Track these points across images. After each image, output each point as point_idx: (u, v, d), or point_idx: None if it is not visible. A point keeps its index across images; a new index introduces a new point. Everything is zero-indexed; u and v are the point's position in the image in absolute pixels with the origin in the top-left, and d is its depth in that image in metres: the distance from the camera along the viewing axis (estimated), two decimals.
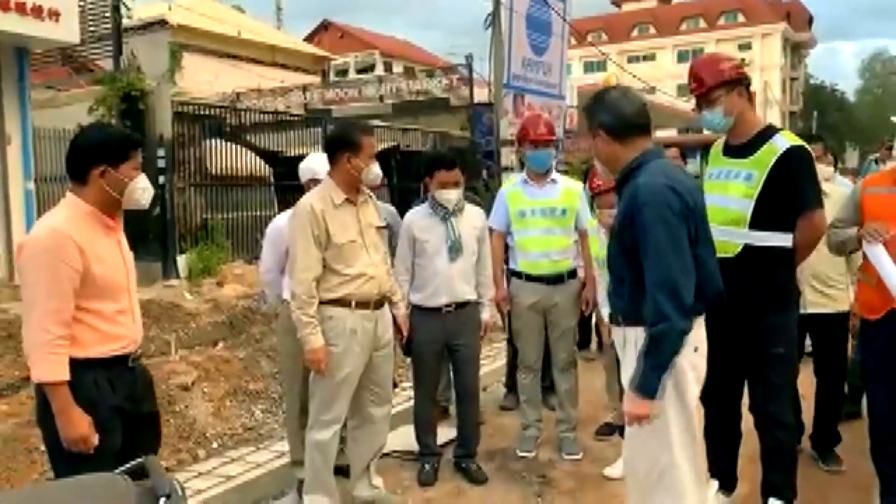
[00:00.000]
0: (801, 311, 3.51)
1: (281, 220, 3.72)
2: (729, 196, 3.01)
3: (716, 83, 3.00)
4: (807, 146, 3.03)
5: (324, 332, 3.18)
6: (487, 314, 4.00)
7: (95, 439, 2.31)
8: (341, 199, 3.23)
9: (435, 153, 4.13)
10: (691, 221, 2.35)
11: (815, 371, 4.02)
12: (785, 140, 2.96)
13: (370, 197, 3.42)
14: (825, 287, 3.83)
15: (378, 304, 3.32)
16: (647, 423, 2.35)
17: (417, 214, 3.90)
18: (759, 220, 2.93)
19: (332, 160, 3.27)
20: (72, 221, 2.35)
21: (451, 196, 3.77)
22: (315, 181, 3.60)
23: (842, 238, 3.24)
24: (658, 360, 2.29)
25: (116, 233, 2.50)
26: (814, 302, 3.79)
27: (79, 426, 2.29)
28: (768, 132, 3.04)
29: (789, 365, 3.13)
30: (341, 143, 3.25)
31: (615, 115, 2.48)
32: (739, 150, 3.05)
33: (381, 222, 3.43)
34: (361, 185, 3.30)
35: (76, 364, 2.31)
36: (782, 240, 2.96)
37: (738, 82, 3.03)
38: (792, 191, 2.92)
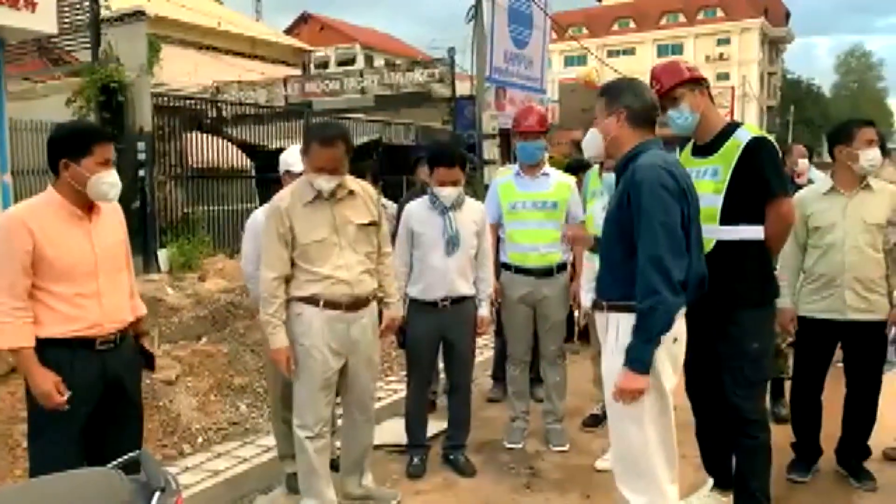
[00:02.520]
0: (840, 317, 3.50)
1: (260, 214, 3.65)
2: (701, 194, 2.96)
3: (676, 82, 3.03)
4: (769, 137, 3.06)
5: (293, 327, 3.12)
6: (486, 310, 3.93)
7: (58, 398, 2.47)
8: (311, 196, 3.10)
9: (438, 147, 4.04)
10: (684, 203, 2.43)
11: (848, 382, 3.70)
12: (747, 132, 3.00)
13: (359, 191, 3.24)
14: (868, 292, 3.50)
15: (351, 307, 3.15)
16: (638, 398, 2.42)
17: (416, 207, 3.84)
18: (729, 214, 2.96)
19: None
20: (31, 208, 2.56)
21: (448, 193, 3.72)
22: (290, 174, 3.54)
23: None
24: (647, 334, 2.36)
25: (89, 222, 2.61)
26: (856, 308, 3.50)
27: (42, 384, 2.47)
28: (731, 128, 3.07)
29: (765, 362, 3.15)
30: (303, 143, 3.17)
31: (642, 102, 2.56)
32: (705, 148, 3.08)
33: (367, 218, 3.24)
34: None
35: (36, 342, 2.49)
36: (754, 232, 2.98)
37: (698, 82, 3.07)
38: (758, 182, 2.94)
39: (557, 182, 4.18)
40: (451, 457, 3.95)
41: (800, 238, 3.60)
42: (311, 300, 3.10)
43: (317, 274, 3.08)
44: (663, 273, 2.33)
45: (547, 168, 4.22)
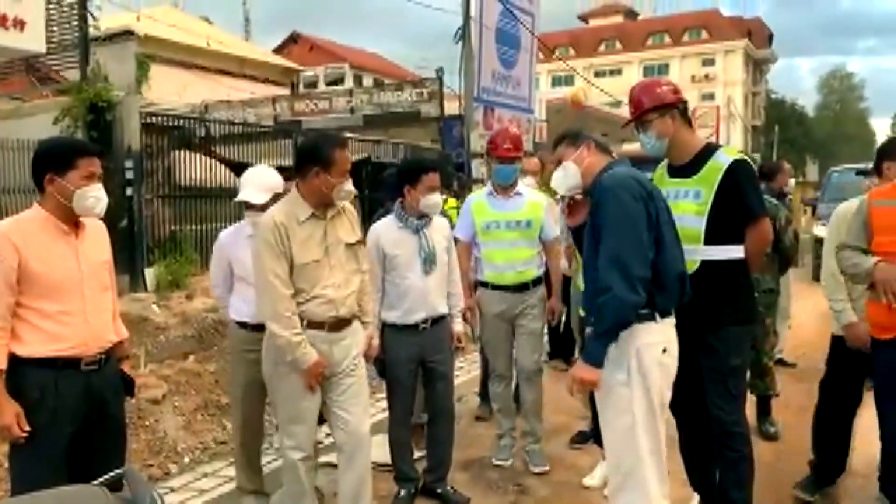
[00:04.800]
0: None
1: (223, 235, 3.60)
2: (681, 215, 3.02)
3: (648, 107, 3.08)
4: (747, 158, 3.13)
5: (273, 349, 3.02)
6: (459, 325, 3.90)
7: (17, 431, 2.41)
8: (307, 215, 3.01)
9: (412, 160, 3.95)
10: (651, 205, 2.51)
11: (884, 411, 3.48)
12: (727, 156, 3.06)
13: (344, 210, 3.17)
14: None
15: (335, 327, 3.07)
16: (594, 390, 2.52)
17: (386, 227, 3.68)
18: (713, 235, 3.01)
19: (301, 173, 3.03)
20: (16, 223, 2.53)
21: (438, 199, 3.65)
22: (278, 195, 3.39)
23: (857, 272, 3.14)
24: (601, 328, 2.44)
25: (76, 238, 2.59)
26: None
27: (2, 416, 2.40)
28: (709, 150, 3.11)
29: (744, 377, 3.21)
30: (311, 157, 3.01)
31: (598, 138, 2.85)
32: (683, 169, 3.12)
33: (354, 237, 3.18)
34: (331, 201, 3.06)
35: (20, 362, 2.44)
36: (736, 252, 3.05)
37: (673, 106, 3.09)
38: (739, 203, 3.00)
39: (530, 201, 4.20)
40: (438, 490, 3.79)
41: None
42: None
43: (304, 296, 2.99)
44: (620, 269, 2.40)
45: (520, 187, 4.25)
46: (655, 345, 2.47)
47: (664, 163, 3.27)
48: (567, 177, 2.83)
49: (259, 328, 3.27)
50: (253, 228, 3.34)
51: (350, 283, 3.13)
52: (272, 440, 4.22)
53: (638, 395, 2.46)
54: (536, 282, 4.20)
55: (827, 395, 3.74)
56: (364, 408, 3.21)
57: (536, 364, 4.25)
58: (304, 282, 2.99)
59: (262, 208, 3.27)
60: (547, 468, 4.14)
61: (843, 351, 3.58)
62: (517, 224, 4.13)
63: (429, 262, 3.63)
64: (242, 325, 3.44)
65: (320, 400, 3.12)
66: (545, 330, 4.31)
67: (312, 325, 3.01)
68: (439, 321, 3.72)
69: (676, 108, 3.11)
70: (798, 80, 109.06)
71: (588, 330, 2.63)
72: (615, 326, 2.42)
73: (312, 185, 3.00)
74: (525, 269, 4.14)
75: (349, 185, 3.05)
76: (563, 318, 4.99)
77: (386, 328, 3.61)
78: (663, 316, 2.51)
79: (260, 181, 3.45)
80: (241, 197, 3.42)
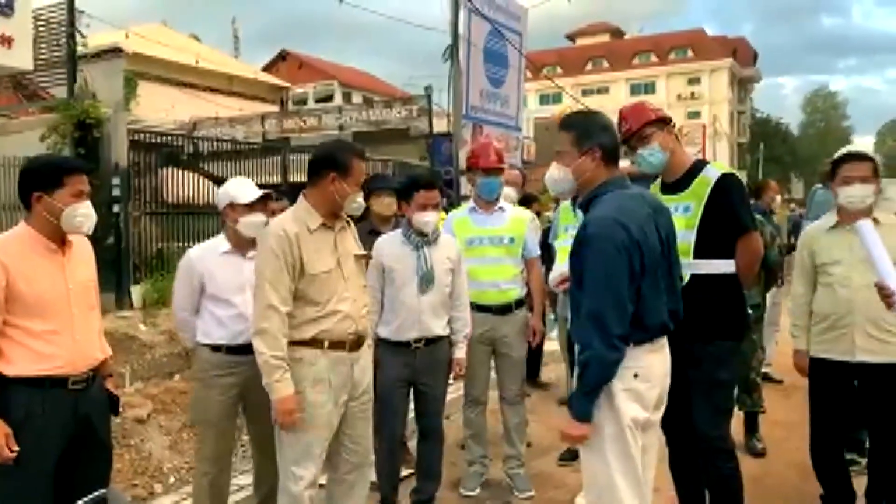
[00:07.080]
0: (850, 358, 3.28)
1: (193, 252, 3.35)
2: None
3: (647, 121, 3.11)
4: (736, 174, 3.16)
5: (291, 375, 2.80)
6: (462, 352, 3.75)
7: (6, 453, 2.37)
8: (317, 224, 2.89)
9: (409, 174, 3.87)
10: (636, 255, 2.39)
11: (869, 430, 3.46)
12: (716, 170, 3.11)
13: (348, 223, 3.09)
14: (882, 332, 3.21)
15: (354, 346, 2.94)
16: (584, 443, 2.47)
17: (389, 241, 3.66)
18: (702, 248, 3.03)
19: (315, 179, 2.92)
20: (4, 242, 2.51)
21: (431, 218, 3.57)
22: (233, 206, 3.24)
23: None
24: (585, 385, 2.40)
25: (63, 256, 2.57)
26: (867, 349, 3.24)
27: None
28: (699, 166, 3.16)
29: (732, 392, 3.20)
30: (329, 162, 2.90)
31: (613, 139, 2.57)
32: (674, 186, 3.16)
33: (360, 250, 3.09)
34: (341, 211, 2.97)
35: (8, 381, 2.42)
36: (726, 266, 3.06)
37: (665, 122, 3.16)
38: (729, 217, 3.03)
39: (513, 217, 4.14)
40: None
41: (809, 276, 3.45)
42: (314, 342, 2.84)
43: (320, 309, 2.85)
44: (600, 328, 2.35)
45: (502, 202, 4.19)
46: (625, 369, 2.45)
47: (657, 182, 3.29)
48: (560, 181, 2.63)
49: (234, 350, 3.17)
50: (247, 229, 3.21)
51: (362, 297, 3.04)
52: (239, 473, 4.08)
53: (606, 417, 2.45)
54: (519, 304, 4.10)
55: (815, 424, 3.53)
56: (370, 438, 3.14)
57: (520, 388, 4.21)
58: (318, 294, 2.85)
59: (250, 209, 3.19)
60: (532, 493, 4.05)
61: (820, 374, 3.43)
62: (500, 240, 4.05)
63: (426, 280, 3.57)
64: (216, 348, 3.21)
65: (335, 428, 2.94)
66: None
67: (333, 345, 2.87)
68: (435, 342, 3.64)
69: (667, 123, 3.16)
70: (782, 98, 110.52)
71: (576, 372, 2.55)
72: (599, 384, 2.40)
73: (327, 191, 2.89)
74: (508, 288, 4.04)
75: (361, 198, 3.01)
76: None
77: (379, 343, 3.55)
78: (637, 344, 2.46)
79: (242, 185, 3.34)
80: (229, 197, 3.24)
